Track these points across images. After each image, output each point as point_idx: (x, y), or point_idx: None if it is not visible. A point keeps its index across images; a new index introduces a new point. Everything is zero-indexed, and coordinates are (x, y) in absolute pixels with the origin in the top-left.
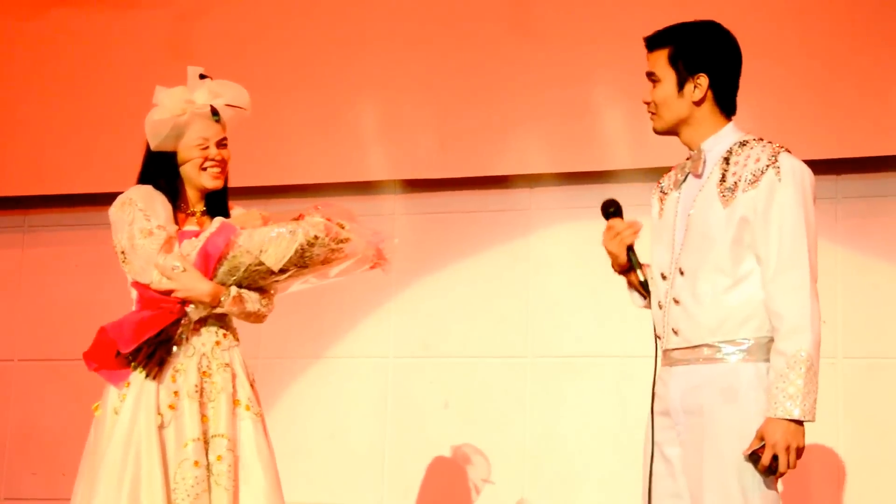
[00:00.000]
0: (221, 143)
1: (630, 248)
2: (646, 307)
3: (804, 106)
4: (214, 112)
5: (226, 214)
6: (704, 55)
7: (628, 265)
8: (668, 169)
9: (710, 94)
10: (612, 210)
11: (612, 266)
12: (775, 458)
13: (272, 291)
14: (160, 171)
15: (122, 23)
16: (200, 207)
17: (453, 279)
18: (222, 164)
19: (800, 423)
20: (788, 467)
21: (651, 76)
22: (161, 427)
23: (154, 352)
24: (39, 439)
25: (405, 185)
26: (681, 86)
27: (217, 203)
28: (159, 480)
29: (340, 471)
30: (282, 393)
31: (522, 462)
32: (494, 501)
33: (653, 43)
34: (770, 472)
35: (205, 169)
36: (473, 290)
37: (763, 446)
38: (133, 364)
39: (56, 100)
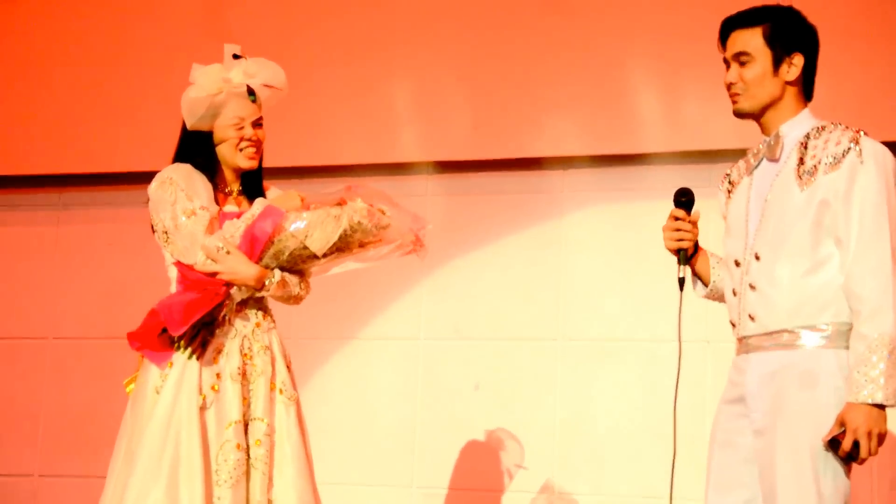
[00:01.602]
0: (257, 123)
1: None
2: (707, 297)
3: (873, 89)
4: (251, 92)
5: (261, 194)
6: (800, 35)
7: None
8: (702, 153)
9: (800, 75)
10: (683, 199)
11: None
12: (856, 443)
13: (308, 274)
14: (197, 149)
15: (157, 0)
16: (237, 187)
17: (485, 261)
18: (258, 144)
19: (882, 407)
20: (870, 454)
21: (741, 55)
22: (203, 408)
23: (197, 333)
24: (73, 417)
25: (438, 166)
26: (776, 65)
27: (252, 183)
28: (199, 461)
29: (371, 452)
30: (313, 373)
31: (552, 444)
32: (524, 483)
33: (742, 22)
34: (850, 458)
35: (241, 149)
36: (505, 273)
37: (843, 432)
38: (177, 345)
39: (91, 79)
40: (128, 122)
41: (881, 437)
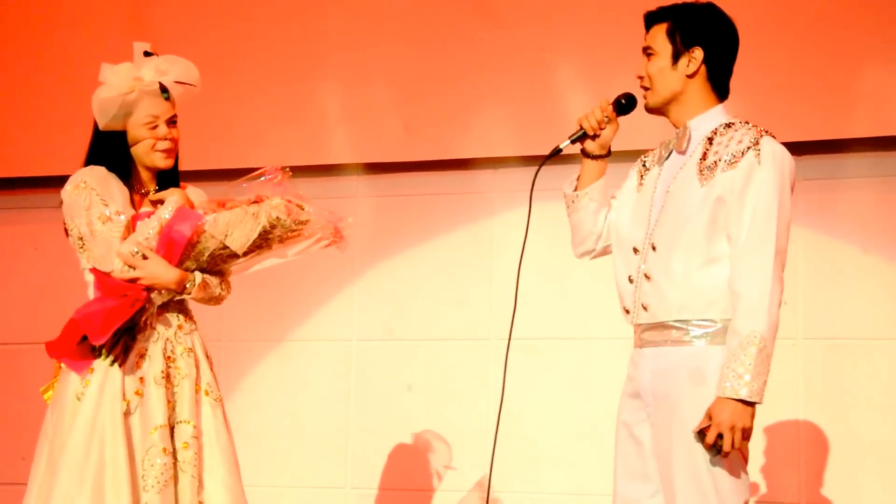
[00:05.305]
0: (171, 121)
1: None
2: (567, 198)
3: (766, 91)
4: (164, 89)
5: None
6: (701, 30)
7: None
8: (634, 152)
9: (703, 69)
10: (622, 101)
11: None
12: (721, 436)
13: (228, 274)
14: (110, 151)
15: (69, 3)
16: (153, 187)
17: (416, 262)
18: (173, 142)
19: (748, 403)
20: (733, 447)
21: (647, 50)
22: (127, 413)
23: (119, 338)
24: None
25: (368, 167)
26: (675, 59)
27: (169, 183)
28: (124, 467)
29: (304, 454)
30: (245, 376)
31: (486, 444)
32: (458, 483)
33: (652, 18)
34: (715, 451)
35: (156, 149)
36: (437, 273)
37: (711, 425)
38: (98, 352)
39: (4, 81)
40: (41, 125)
41: (745, 432)
